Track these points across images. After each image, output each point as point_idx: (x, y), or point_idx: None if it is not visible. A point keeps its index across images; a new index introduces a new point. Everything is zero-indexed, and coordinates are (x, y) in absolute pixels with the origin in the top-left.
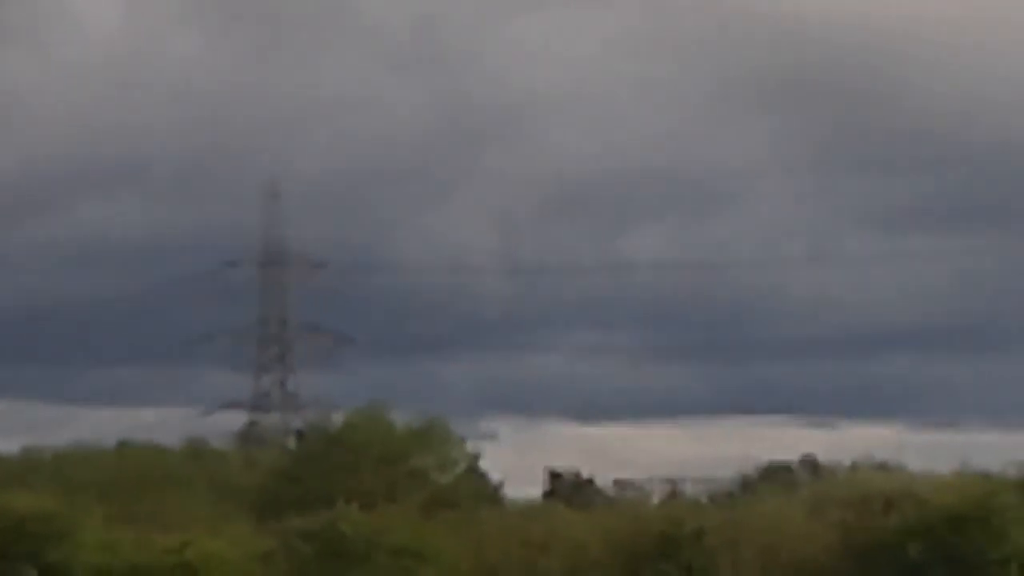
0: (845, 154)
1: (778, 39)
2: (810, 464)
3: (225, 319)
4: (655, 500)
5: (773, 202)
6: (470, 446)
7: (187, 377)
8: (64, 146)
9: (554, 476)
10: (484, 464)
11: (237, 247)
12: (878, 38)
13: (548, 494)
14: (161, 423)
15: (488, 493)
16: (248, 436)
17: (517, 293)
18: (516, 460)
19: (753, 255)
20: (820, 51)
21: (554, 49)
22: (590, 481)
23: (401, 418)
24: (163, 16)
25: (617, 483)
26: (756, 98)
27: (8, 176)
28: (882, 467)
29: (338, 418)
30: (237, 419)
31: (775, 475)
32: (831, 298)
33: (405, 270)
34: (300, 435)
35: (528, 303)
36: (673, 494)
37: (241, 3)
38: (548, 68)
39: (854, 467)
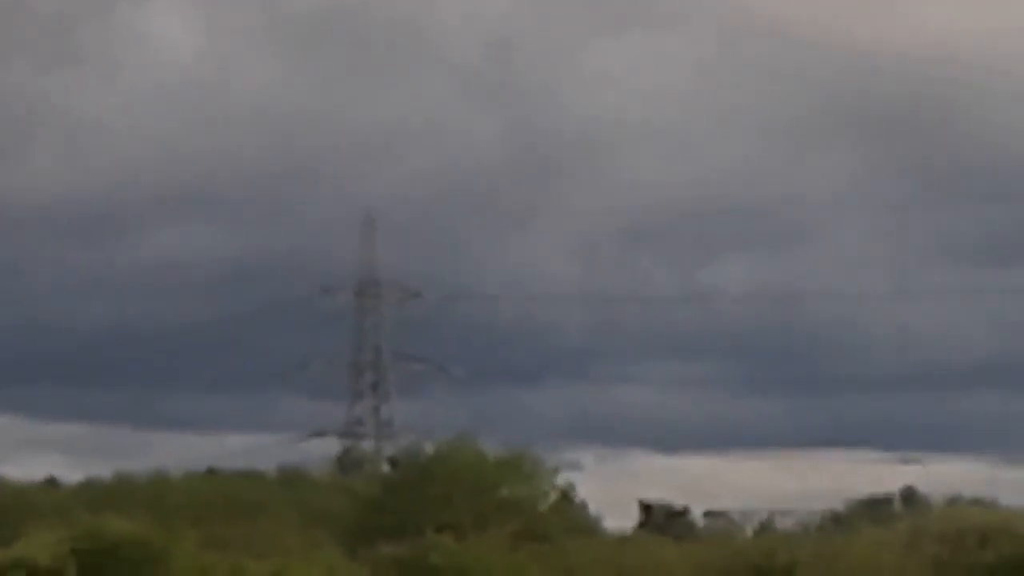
0: (929, 186)
1: (858, 71)
2: (908, 496)
3: (317, 346)
4: (747, 532)
5: (856, 234)
6: (562, 477)
7: (280, 404)
8: (139, 171)
9: (646, 507)
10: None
11: (323, 274)
12: (959, 71)
13: (641, 525)
14: (254, 449)
15: (582, 523)
16: (344, 463)
17: (600, 324)
18: (601, 490)
19: (836, 288)
20: (901, 83)
21: (630, 77)
22: (683, 512)
23: (488, 447)
24: (239, 42)
25: (709, 515)
26: (837, 130)
27: (88, 200)
28: (976, 502)
29: (429, 447)
30: (330, 446)
31: (872, 509)
32: (917, 331)
33: (489, 299)
34: (394, 463)
35: (612, 334)
36: (765, 526)
37: (318, 30)
38: (624, 97)
39: (950, 502)
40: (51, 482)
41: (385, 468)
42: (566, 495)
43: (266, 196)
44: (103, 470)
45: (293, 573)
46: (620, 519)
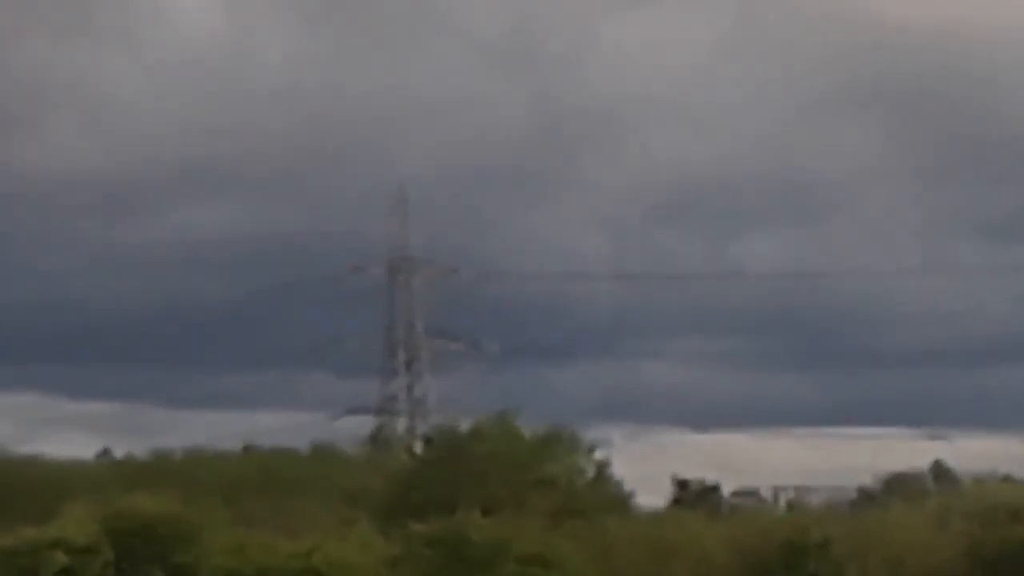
0: (955, 161)
1: (881, 45)
2: (937, 472)
3: (350, 324)
4: (779, 509)
5: (882, 209)
6: (599, 454)
7: (312, 382)
8: (164, 147)
9: (680, 484)
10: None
11: (352, 250)
12: (985, 45)
13: (675, 501)
14: (287, 427)
15: (618, 500)
16: (377, 440)
17: (628, 300)
18: (630, 467)
19: (863, 263)
20: (926, 57)
21: (650, 52)
22: (715, 489)
23: (523, 424)
24: (260, 15)
25: (739, 493)
26: (861, 105)
27: (115, 176)
28: (1006, 479)
29: (464, 424)
30: (363, 424)
31: (901, 485)
32: (945, 306)
33: (517, 276)
34: (428, 441)
35: (640, 311)
36: (794, 503)
37: (340, 3)
38: (645, 71)
39: (980, 479)
40: (105, 454)
41: (419, 446)
42: (602, 472)
43: (292, 171)
44: (137, 448)
45: (327, 551)
46: (649, 496)
